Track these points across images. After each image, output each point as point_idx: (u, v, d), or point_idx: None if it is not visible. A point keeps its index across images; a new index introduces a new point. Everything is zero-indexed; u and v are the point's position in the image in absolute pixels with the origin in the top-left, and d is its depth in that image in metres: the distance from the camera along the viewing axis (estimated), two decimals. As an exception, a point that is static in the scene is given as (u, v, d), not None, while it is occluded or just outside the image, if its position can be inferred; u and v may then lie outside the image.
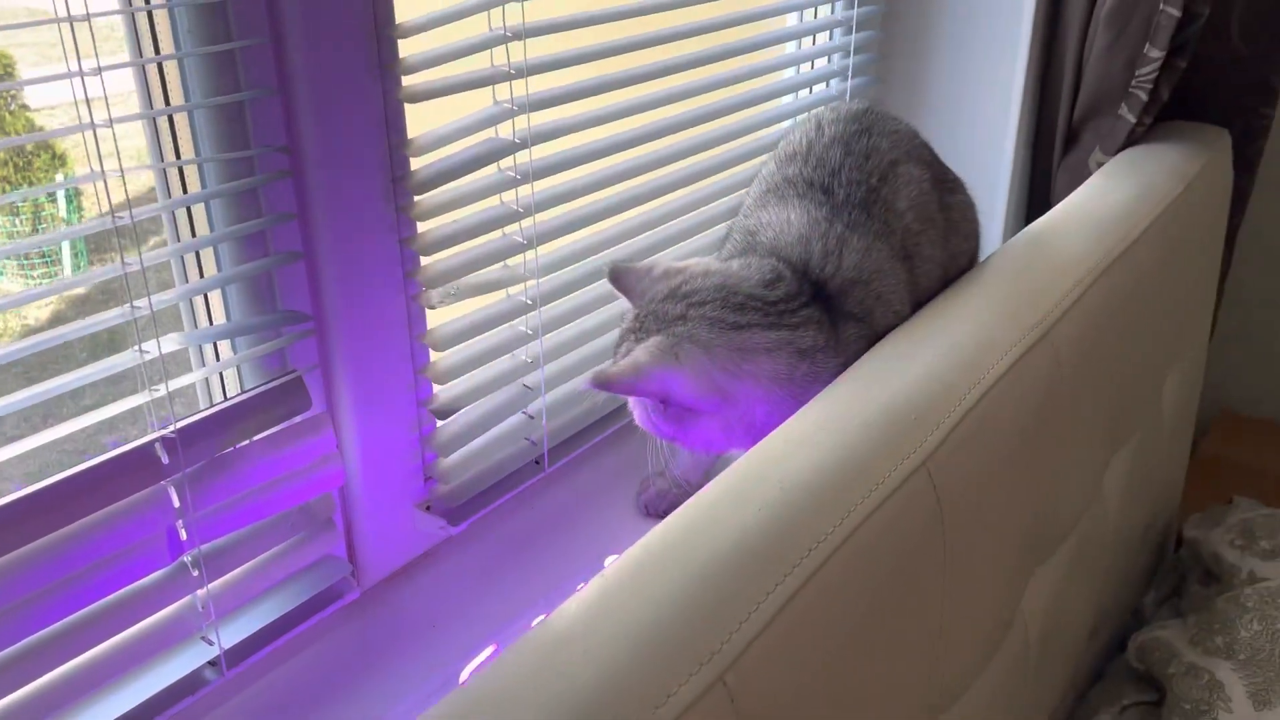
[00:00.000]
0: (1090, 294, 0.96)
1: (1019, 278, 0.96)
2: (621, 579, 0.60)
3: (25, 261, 3.64)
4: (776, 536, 0.63)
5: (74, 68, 0.59)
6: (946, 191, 0.95)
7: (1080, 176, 1.27)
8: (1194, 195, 1.23)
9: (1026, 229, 1.06)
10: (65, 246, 3.66)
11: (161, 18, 0.67)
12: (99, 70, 0.60)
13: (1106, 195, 1.15)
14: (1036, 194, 1.42)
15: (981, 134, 1.38)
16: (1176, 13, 1.20)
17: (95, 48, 0.60)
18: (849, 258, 0.84)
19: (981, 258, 1.01)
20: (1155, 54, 1.22)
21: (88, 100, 0.60)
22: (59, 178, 3.73)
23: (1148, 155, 1.27)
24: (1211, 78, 1.36)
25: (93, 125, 0.61)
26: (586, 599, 0.58)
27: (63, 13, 0.59)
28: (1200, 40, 1.28)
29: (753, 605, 0.58)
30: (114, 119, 0.62)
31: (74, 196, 3.80)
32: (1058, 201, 1.15)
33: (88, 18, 0.60)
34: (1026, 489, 0.88)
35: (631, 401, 0.84)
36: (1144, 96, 1.25)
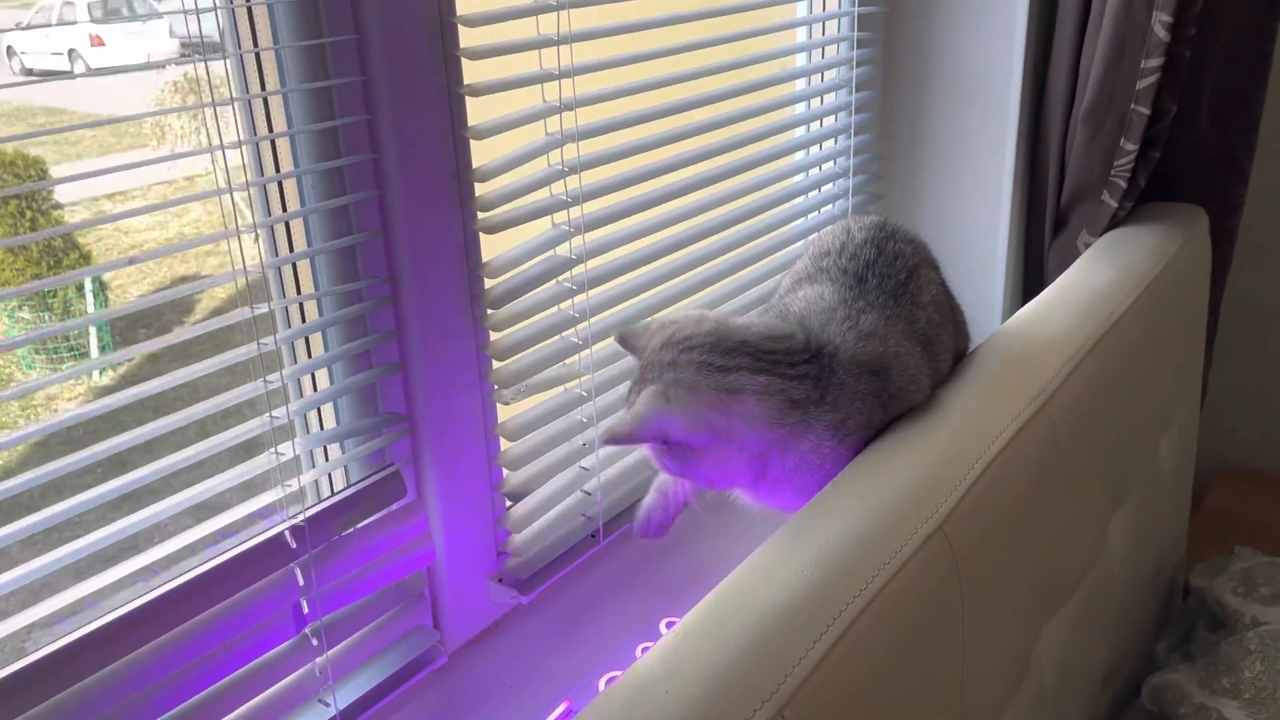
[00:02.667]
0: (1080, 369, 1.08)
1: (1016, 357, 1.08)
2: (691, 632, 0.71)
3: (55, 355, 3.76)
4: (818, 594, 0.74)
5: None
6: (951, 296, 1.08)
7: (1070, 256, 1.40)
8: (1174, 271, 1.35)
9: (1020, 311, 1.19)
10: (93, 339, 3.77)
11: (290, 184, 0.81)
12: (254, 228, 0.74)
13: (1092, 277, 1.27)
14: (1031, 274, 1.55)
15: (978, 221, 1.51)
16: (1147, 111, 1.34)
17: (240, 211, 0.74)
18: (866, 330, 0.91)
19: (982, 336, 1.14)
20: (1130, 147, 1.36)
21: (241, 244, 0.74)
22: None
23: (1130, 236, 1.40)
24: (1187, 162, 1.50)
25: (245, 272, 0.74)
26: (663, 650, 0.70)
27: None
28: (1174, 129, 1.42)
29: (803, 652, 0.70)
30: (270, 264, 0.75)
31: (100, 291, 3.92)
32: (1051, 280, 1.28)
33: (244, 183, 0.74)
34: (1034, 547, 0.99)
35: (646, 446, 0.90)
36: (1123, 184, 1.39)
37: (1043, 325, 1.16)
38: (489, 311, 0.94)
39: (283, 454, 0.80)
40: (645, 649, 0.99)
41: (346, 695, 0.87)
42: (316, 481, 0.90)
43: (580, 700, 0.95)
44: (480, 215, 0.91)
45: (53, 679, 0.69)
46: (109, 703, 0.72)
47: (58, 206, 3.59)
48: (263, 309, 0.76)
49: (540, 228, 0.99)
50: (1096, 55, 1.33)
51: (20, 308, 3.46)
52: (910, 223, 1.52)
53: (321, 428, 0.89)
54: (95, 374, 3.37)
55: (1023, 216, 1.52)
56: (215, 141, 0.71)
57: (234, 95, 0.76)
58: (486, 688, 0.99)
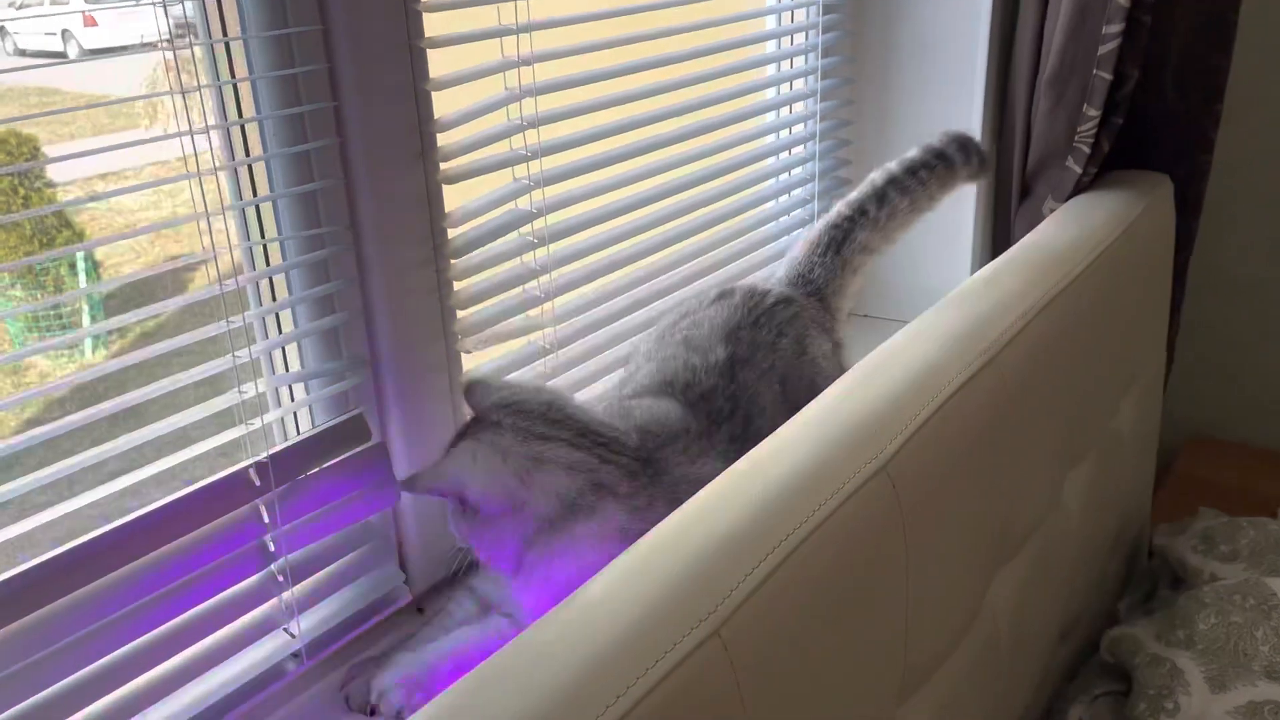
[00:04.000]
0: (1032, 326, 1.11)
1: (969, 313, 1.11)
2: (637, 557, 0.74)
3: (47, 332, 3.79)
4: (760, 525, 0.77)
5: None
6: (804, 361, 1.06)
7: (1035, 222, 1.43)
8: (1134, 236, 1.38)
9: (978, 272, 1.21)
10: (85, 312, 3.79)
11: (252, 128, 0.83)
12: (215, 170, 0.76)
13: (1052, 239, 1.30)
14: (998, 239, 1.58)
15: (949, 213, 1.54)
16: (1109, 76, 1.36)
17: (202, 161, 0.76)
18: (700, 477, 0.87)
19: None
20: (1093, 113, 1.39)
21: (204, 199, 0.77)
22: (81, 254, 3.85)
23: (1093, 202, 1.43)
24: (1152, 129, 1.52)
25: (207, 215, 0.77)
26: (609, 574, 0.73)
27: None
28: (1139, 96, 1.45)
29: (741, 577, 0.72)
30: (226, 208, 0.78)
31: (93, 269, 3.95)
32: (1013, 246, 1.31)
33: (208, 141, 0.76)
34: (981, 495, 1.02)
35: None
36: (1086, 150, 1.42)
37: (997, 284, 1.18)
38: (452, 261, 0.97)
39: (245, 392, 0.83)
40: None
41: (312, 629, 0.90)
42: (283, 424, 0.93)
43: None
44: (442, 166, 0.93)
45: (14, 605, 0.72)
46: (73, 629, 0.75)
47: (51, 185, 3.59)
48: (224, 252, 0.79)
49: (501, 181, 1.01)
50: (1059, 21, 1.36)
51: (13, 285, 3.47)
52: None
53: (287, 370, 0.92)
54: (89, 351, 3.38)
55: (990, 183, 1.54)
56: (180, 91, 0.74)
57: (195, 41, 0.78)
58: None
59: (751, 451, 0.87)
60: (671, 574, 0.72)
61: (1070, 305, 1.19)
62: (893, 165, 1.21)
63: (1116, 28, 1.33)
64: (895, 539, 0.87)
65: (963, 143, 1.24)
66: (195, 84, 0.77)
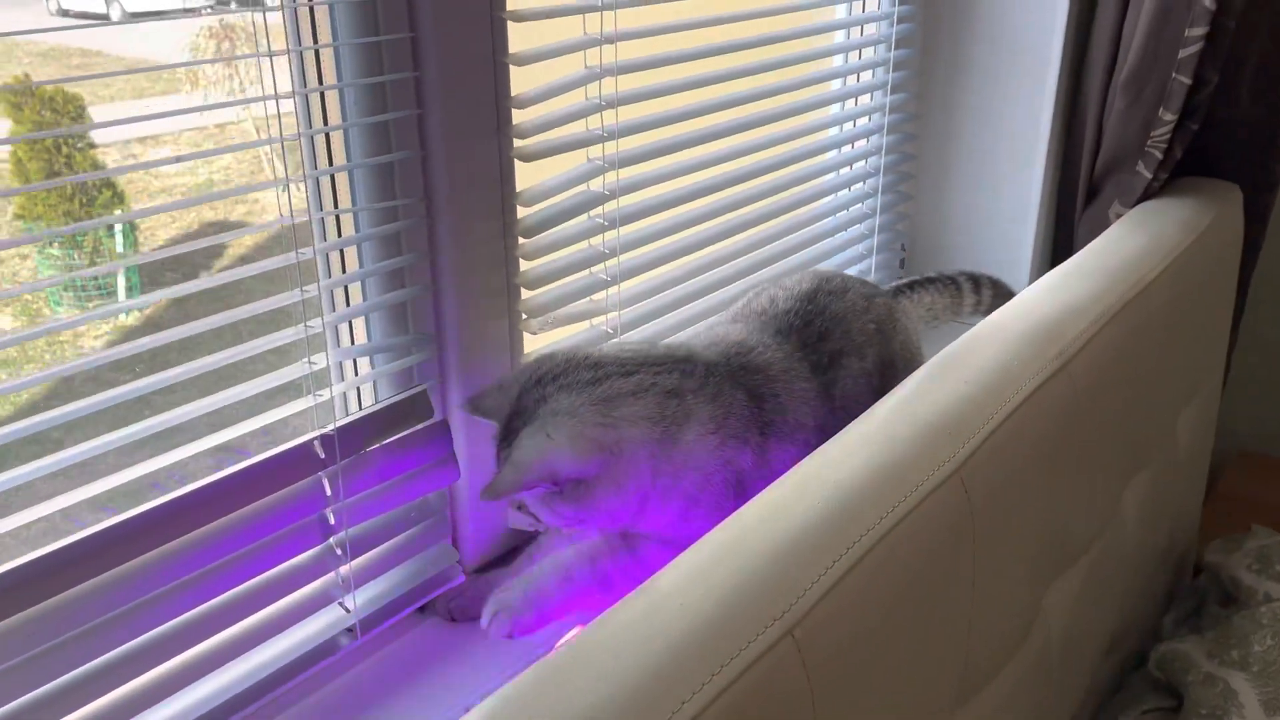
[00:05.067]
0: (1104, 333, 1.08)
1: (1041, 317, 1.09)
2: (710, 551, 0.73)
3: (83, 294, 3.80)
4: (833, 525, 0.75)
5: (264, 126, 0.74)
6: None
7: (1100, 226, 1.40)
8: (1204, 245, 1.35)
9: (1046, 275, 1.19)
10: (120, 280, 3.80)
11: (331, 96, 0.82)
12: (297, 137, 0.75)
13: (1122, 245, 1.27)
14: (1060, 241, 1.55)
15: (1011, 186, 1.51)
16: (1188, 80, 1.33)
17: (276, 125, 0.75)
18: (757, 362, 0.89)
19: (1012, 298, 1.14)
20: (1169, 117, 1.35)
21: (285, 162, 0.75)
22: (116, 213, 3.88)
23: (1162, 208, 1.40)
24: (1224, 137, 1.49)
25: (287, 180, 0.76)
26: (682, 566, 0.71)
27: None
28: (1213, 103, 1.41)
29: (815, 576, 0.71)
30: (306, 175, 0.76)
31: (130, 232, 3.96)
32: (1079, 248, 1.28)
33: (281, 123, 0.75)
34: (1047, 502, 1.00)
35: (529, 500, 0.85)
36: (1159, 155, 1.38)
37: (1069, 289, 1.16)
38: (521, 240, 0.95)
39: (315, 364, 0.81)
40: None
41: (367, 605, 0.89)
42: (345, 397, 0.92)
43: (593, 626, 0.97)
44: (517, 143, 0.92)
45: (78, 569, 0.71)
46: (133, 596, 0.74)
47: (92, 145, 3.62)
48: (302, 218, 0.78)
49: (575, 161, 0.99)
50: (1140, 20, 1.32)
51: (50, 244, 3.49)
52: (942, 185, 1.52)
53: (353, 343, 0.91)
54: (123, 314, 3.40)
55: (1056, 183, 1.51)
56: (261, 58, 0.72)
57: (267, 8, 0.77)
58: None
59: (824, 447, 0.85)
60: (743, 570, 0.70)
61: (1140, 313, 1.17)
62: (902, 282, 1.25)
63: (1200, 30, 1.29)
64: (965, 543, 0.85)
65: (974, 277, 1.30)
66: (282, 48, 0.76)
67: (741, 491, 0.86)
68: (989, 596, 0.90)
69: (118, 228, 3.56)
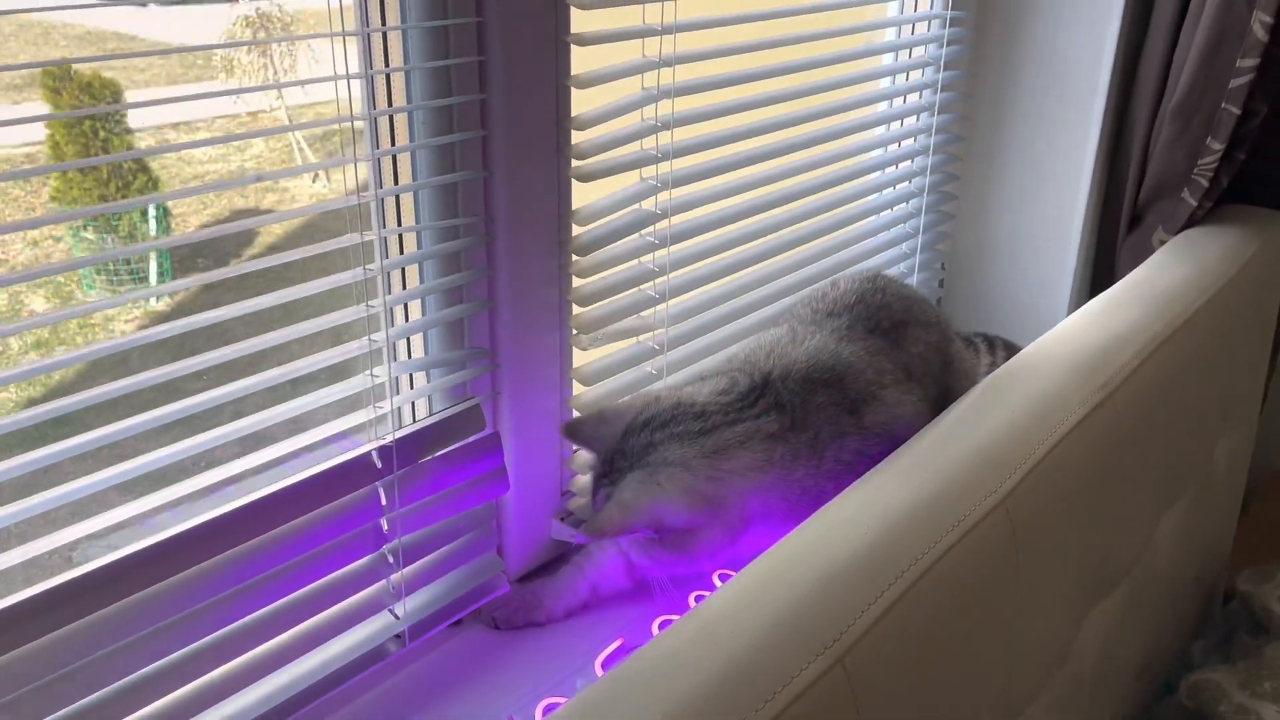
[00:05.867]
0: (1150, 362, 1.09)
1: (1085, 345, 1.09)
2: (758, 577, 0.74)
3: (115, 277, 3.83)
4: (882, 553, 0.76)
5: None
6: (952, 354, 1.08)
7: (1144, 253, 1.40)
8: (1248, 275, 1.35)
9: (1090, 303, 1.19)
10: (152, 265, 3.84)
11: (400, 120, 0.83)
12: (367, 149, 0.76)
13: (1167, 272, 1.27)
14: (1101, 267, 1.55)
15: (1054, 208, 1.51)
16: (1237, 110, 1.33)
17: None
18: (812, 347, 0.91)
19: (1048, 327, 1.15)
20: (1217, 146, 1.35)
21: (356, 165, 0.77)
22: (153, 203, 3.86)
23: (1206, 236, 1.39)
24: (1271, 166, 1.48)
25: (357, 198, 0.78)
26: (730, 591, 0.73)
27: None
28: (1260, 133, 1.41)
29: (864, 606, 0.72)
30: (377, 194, 0.78)
31: (164, 217, 3.99)
32: (1121, 275, 1.28)
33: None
34: (1087, 530, 1.01)
35: (623, 540, 0.88)
36: (1205, 183, 1.38)
37: (1114, 317, 1.16)
38: (575, 258, 0.97)
39: (377, 377, 0.83)
40: (699, 597, 1.02)
41: (416, 611, 0.91)
42: (400, 412, 0.94)
43: (634, 638, 0.98)
44: (575, 163, 0.93)
45: (138, 577, 0.73)
46: (190, 603, 0.76)
47: (128, 130, 3.66)
48: (370, 237, 0.79)
49: (629, 180, 1.01)
50: (1192, 50, 1.32)
51: (85, 227, 3.53)
52: (985, 207, 1.53)
53: (410, 357, 0.93)
54: (153, 300, 3.42)
55: (1099, 208, 1.51)
56: (333, 37, 0.74)
57: (357, 29, 0.79)
58: (544, 618, 1.02)
59: (872, 474, 0.86)
60: (791, 598, 0.72)
61: (1184, 343, 1.17)
62: None
63: (1251, 61, 1.29)
64: (1008, 572, 0.86)
65: (989, 339, 1.35)
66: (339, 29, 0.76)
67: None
68: (1029, 623, 0.91)
69: (151, 213, 3.60)
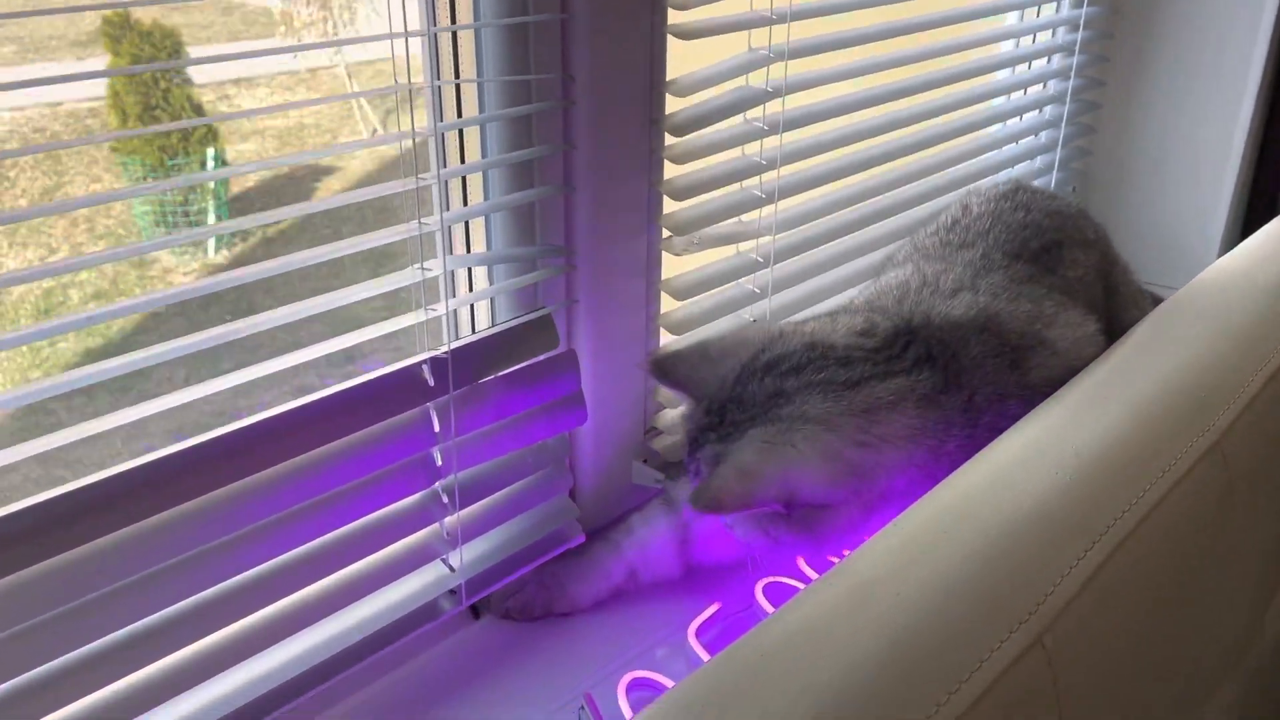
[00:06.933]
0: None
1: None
2: (916, 531, 0.57)
3: (173, 227, 3.78)
4: (1080, 503, 0.59)
5: None
6: (1118, 277, 0.91)
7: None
8: None
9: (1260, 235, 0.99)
10: (210, 217, 3.79)
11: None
12: None
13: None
14: (1258, 200, 1.33)
15: (1209, 130, 1.29)
16: None
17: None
18: (950, 287, 0.75)
19: (1200, 263, 0.96)
20: None
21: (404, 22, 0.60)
22: (209, 150, 3.87)
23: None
24: None
25: (390, 36, 0.61)
26: (881, 549, 0.55)
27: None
28: None
29: (1065, 568, 0.54)
30: (407, 32, 0.61)
31: (221, 166, 3.93)
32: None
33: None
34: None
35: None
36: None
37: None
38: (669, 139, 0.79)
39: (429, 270, 0.67)
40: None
41: (474, 564, 0.75)
42: (455, 316, 0.77)
43: (733, 604, 0.81)
44: (672, 15, 0.75)
45: (149, 499, 0.58)
46: (209, 536, 0.61)
47: (188, 82, 3.60)
48: (421, 85, 0.62)
49: (736, 47, 0.83)
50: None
51: (145, 179, 3.48)
52: (1129, 120, 1.31)
53: (469, 250, 0.76)
54: (211, 252, 3.39)
55: (1263, 123, 1.29)
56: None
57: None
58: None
59: (1043, 409, 0.68)
60: (967, 556, 0.54)
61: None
62: None
63: None
64: (1223, 528, 0.68)
65: None
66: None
67: None
68: (1238, 580, 0.73)
69: (209, 165, 3.54)
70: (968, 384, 0.69)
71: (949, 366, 0.68)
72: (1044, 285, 0.80)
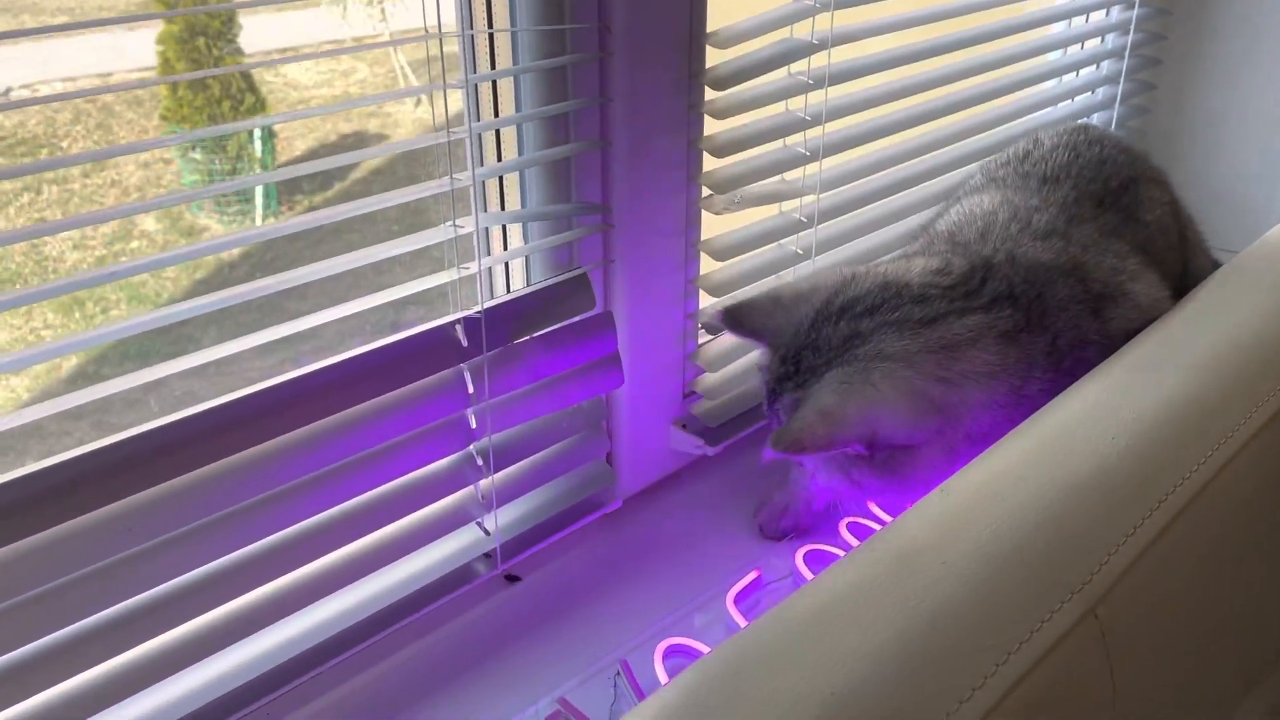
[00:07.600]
0: None
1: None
2: (965, 495, 0.54)
3: (223, 199, 3.84)
4: (1137, 469, 0.56)
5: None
6: (1188, 225, 0.88)
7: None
8: None
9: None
10: (259, 188, 3.85)
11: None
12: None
13: None
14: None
15: (1273, 90, 1.24)
16: None
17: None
18: (1043, 229, 0.73)
19: (1261, 227, 0.91)
20: None
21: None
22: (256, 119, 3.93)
23: None
24: None
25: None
26: (933, 513, 0.53)
27: None
28: None
29: (1121, 538, 0.52)
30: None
31: (269, 139, 3.98)
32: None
33: None
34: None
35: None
36: None
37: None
38: (709, 93, 0.77)
39: (461, 227, 0.65)
40: (850, 522, 0.83)
41: (509, 528, 0.74)
42: (490, 275, 0.76)
43: (773, 572, 0.80)
44: (715, -34, 0.73)
45: (179, 457, 0.58)
46: (239, 496, 0.60)
47: (239, 51, 3.63)
48: (453, 35, 0.61)
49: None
50: None
51: (193, 148, 3.52)
52: (1189, 79, 1.26)
53: (503, 207, 0.74)
54: (259, 219, 3.44)
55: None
56: None
57: None
58: (664, 543, 0.85)
59: (1103, 369, 0.65)
60: (1018, 523, 0.52)
61: None
62: None
63: None
64: (1286, 504, 0.65)
65: None
66: None
67: None
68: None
69: (257, 136, 3.57)
70: (1051, 326, 0.67)
71: (1032, 307, 0.67)
72: (1128, 241, 0.77)
